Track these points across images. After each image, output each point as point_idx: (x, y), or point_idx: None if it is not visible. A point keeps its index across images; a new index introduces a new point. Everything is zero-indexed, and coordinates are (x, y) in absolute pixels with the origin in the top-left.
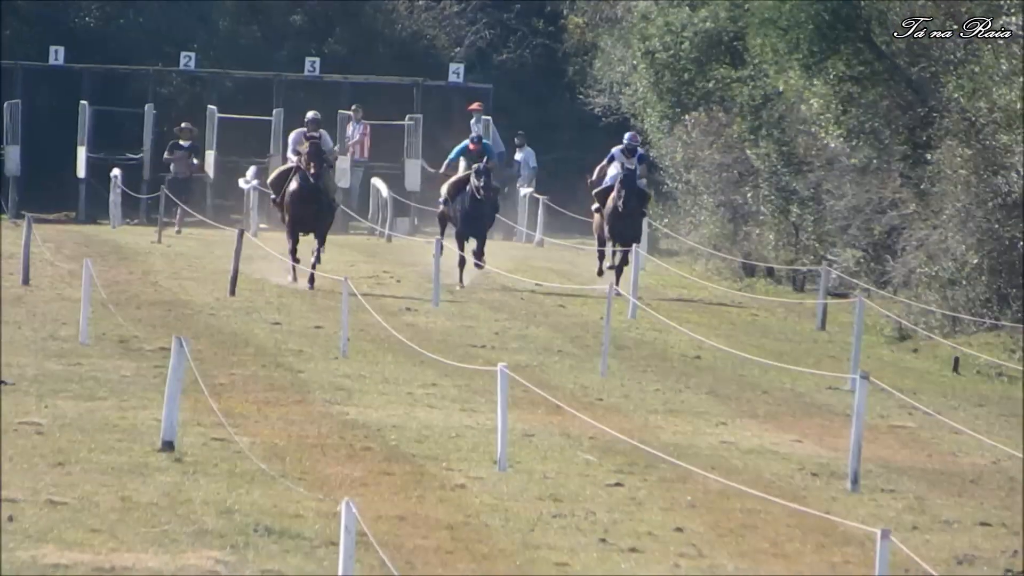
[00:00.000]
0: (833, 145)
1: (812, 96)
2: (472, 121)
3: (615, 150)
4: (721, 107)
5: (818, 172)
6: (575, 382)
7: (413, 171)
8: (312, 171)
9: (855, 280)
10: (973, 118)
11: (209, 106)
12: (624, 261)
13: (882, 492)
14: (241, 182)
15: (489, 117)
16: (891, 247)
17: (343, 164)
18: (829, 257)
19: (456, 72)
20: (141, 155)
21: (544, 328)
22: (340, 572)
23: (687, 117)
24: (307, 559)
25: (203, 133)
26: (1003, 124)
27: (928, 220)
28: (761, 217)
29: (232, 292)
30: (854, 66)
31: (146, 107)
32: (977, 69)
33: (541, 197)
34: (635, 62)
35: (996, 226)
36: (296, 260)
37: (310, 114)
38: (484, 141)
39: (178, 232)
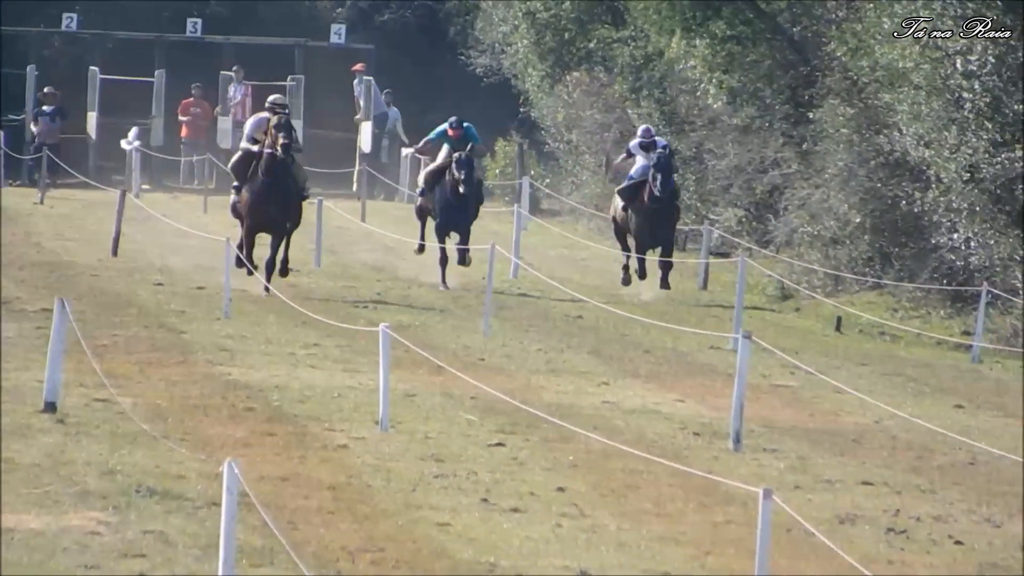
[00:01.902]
0: (715, 105)
1: (694, 56)
2: (355, 82)
3: (632, 144)
4: (602, 67)
5: (700, 132)
6: (457, 342)
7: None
8: (281, 143)
9: (737, 240)
10: (855, 77)
11: (91, 67)
12: (668, 267)
13: (764, 452)
14: (123, 143)
15: (371, 78)
16: (773, 206)
17: (224, 125)
18: (711, 217)
19: (338, 33)
20: (23, 116)
21: (426, 288)
22: (222, 533)
23: (568, 77)
24: (189, 520)
25: (85, 94)
26: (885, 83)
27: (810, 179)
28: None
29: (115, 253)
30: (736, 26)
31: (28, 68)
32: (859, 28)
33: (423, 158)
34: (516, 22)
35: (878, 185)
36: (252, 266)
37: (273, 96)
38: (465, 124)
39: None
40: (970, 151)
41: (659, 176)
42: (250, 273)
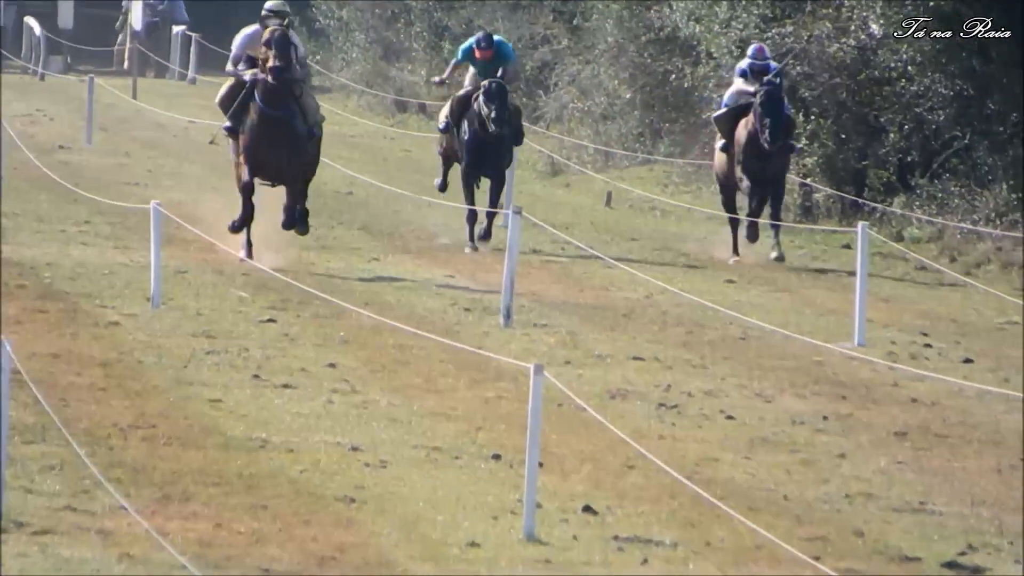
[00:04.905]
0: None
1: None
2: None
3: (739, 67)
4: None
5: (471, 8)
6: (229, 219)
7: (66, 10)
8: (273, 64)
9: None
10: None
11: None
12: (777, 228)
13: (535, 327)
14: None
15: None
16: (543, 83)
17: None
18: None
19: None
20: None
21: (198, 166)
22: None
23: None
24: None
25: None
26: None
27: (580, 55)
28: (413, 54)
29: None
30: None
31: None
32: None
33: (194, 35)
34: None
35: (649, 61)
36: (247, 220)
37: (270, 3)
38: (496, 39)
39: None
40: (740, 26)
41: (768, 120)
42: (247, 221)
